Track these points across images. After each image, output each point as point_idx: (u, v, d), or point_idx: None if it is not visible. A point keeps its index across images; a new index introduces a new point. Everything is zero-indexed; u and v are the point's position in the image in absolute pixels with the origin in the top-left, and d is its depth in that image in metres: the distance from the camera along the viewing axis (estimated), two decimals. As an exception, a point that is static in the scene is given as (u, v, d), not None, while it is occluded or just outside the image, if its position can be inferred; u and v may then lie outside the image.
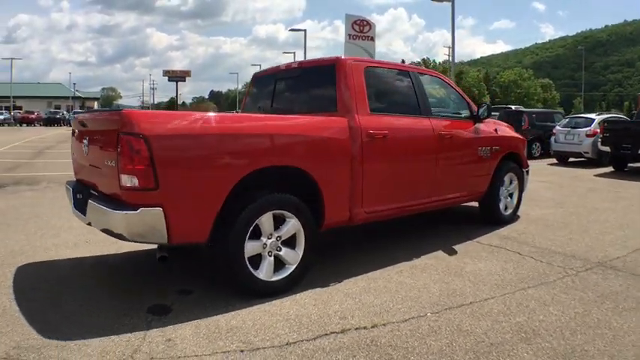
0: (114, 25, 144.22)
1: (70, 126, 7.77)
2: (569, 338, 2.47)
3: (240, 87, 66.18)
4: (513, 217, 5.23)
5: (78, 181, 3.48)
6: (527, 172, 5.45)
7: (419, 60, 65.93)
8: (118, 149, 2.52)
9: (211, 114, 2.86)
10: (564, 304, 2.93)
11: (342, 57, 3.63)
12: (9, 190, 7.32)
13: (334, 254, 4.03)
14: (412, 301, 2.98)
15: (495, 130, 4.87)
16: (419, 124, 4.01)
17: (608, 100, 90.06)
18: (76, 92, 57.27)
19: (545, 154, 13.83)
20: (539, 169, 11.11)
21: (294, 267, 3.14)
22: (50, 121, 41.64)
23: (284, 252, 3.10)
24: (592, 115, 13.09)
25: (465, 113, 4.65)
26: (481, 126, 4.66)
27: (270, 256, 3.04)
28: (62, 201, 5.13)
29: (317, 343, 2.42)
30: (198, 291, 3.12)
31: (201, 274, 3.51)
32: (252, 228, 2.90)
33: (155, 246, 2.93)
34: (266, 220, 2.97)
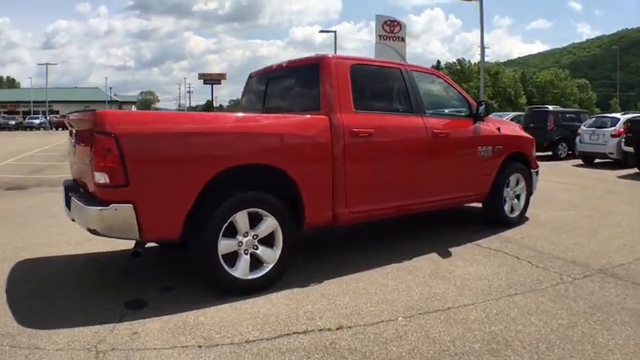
0: (152, 30, 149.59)
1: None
2: (544, 353, 2.31)
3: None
4: (520, 220, 5.00)
5: (74, 180, 3.62)
6: (537, 172, 5.20)
7: (454, 60, 64.65)
8: (92, 148, 2.61)
9: (182, 113, 2.90)
10: (549, 313, 2.77)
11: (328, 55, 3.59)
12: (31, 191, 7.70)
13: (323, 254, 4.01)
14: (387, 304, 2.91)
15: (498, 128, 4.67)
16: (410, 122, 3.91)
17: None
18: (114, 96, 59.13)
19: (572, 154, 13.27)
20: (562, 170, 10.72)
21: (271, 266, 3.14)
22: (83, 125, 43.70)
23: (261, 250, 3.11)
24: (617, 115, 12.44)
25: (465, 112, 4.49)
26: (482, 125, 4.49)
27: (247, 254, 3.06)
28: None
29: (275, 343, 2.41)
30: (179, 288, 3.18)
31: (186, 271, 3.57)
32: (226, 226, 2.93)
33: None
34: (241, 219, 2.99)
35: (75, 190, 3.29)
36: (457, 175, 4.32)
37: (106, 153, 2.55)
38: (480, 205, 4.94)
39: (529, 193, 5.05)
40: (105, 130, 2.56)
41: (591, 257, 3.87)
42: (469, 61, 61.75)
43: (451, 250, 4.12)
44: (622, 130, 10.90)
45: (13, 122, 41.13)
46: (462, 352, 2.32)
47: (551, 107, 15.94)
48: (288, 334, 2.50)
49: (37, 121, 43.47)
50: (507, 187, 4.83)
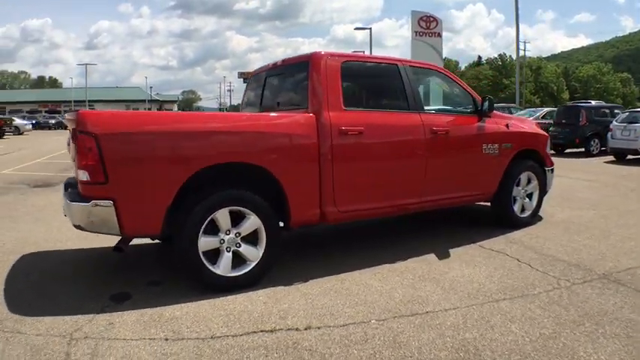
0: (194, 30, 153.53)
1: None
2: (512, 365, 2.20)
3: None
4: (532, 220, 4.77)
5: (74, 177, 3.79)
6: (552, 170, 4.92)
7: (495, 56, 62.64)
8: (76, 146, 2.73)
9: (162, 113, 2.97)
10: (534, 321, 2.62)
11: (319, 52, 3.55)
12: (56, 188, 8.02)
13: (316, 253, 4.00)
14: (364, 306, 2.87)
15: (506, 125, 4.45)
16: (406, 119, 3.80)
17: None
18: (155, 95, 60.86)
19: (605, 151, 12.58)
20: (591, 167, 10.21)
21: (254, 263, 3.17)
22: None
23: (244, 248, 3.14)
24: None
25: (471, 108, 4.31)
26: (487, 121, 4.29)
27: (229, 251, 3.10)
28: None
29: (239, 340, 2.44)
30: (167, 283, 3.27)
31: (176, 267, 3.66)
32: (206, 223, 2.98)
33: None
34: (222, 216, 3.03)
35: (72, 186, 3.46)
36: (459, 173, 4.16)
37: (87, 152, 2.67)
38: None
39: (542, 192, 4.80)
40: (86, 130, 2.67)
41: (597, 260, 3.63)
42: (510, 56, 59.72)
43: (451, 250, 3.99)
44: None
45: (53, 121, 42.74)
46: None
47: (594, 102, 15.15)
48: (254, 332, 2.52)
49: None
50: (518, 185, 4.61)
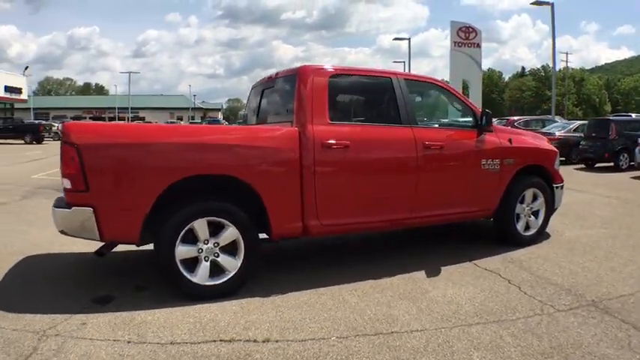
0: (241, 39, 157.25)
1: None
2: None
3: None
4: (537, 238, 4.56)
5: None
6: (561, 187, 4.68)
7: (538, 67, 60.67)
8: (61, 156, 2.92)
9: (142, 125, 3.10)
10: (498, 351, 2.50)
11: (307, 66, 3.59)
12: None
13: (303, 265, 4.03)
14: (331, 322, 2.86)
15: (509, 140, 4.28)
16: (396, 133, 3.75)
17: None
18: (200, 103, 61.94)
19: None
20: (615, 183, 9.63)
21: (232, 274, 3.24)
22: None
23: (222, 258, 3.22)
24: None
25: (471, 123, 4.19)
26: (487, 136, 4.15)
27: (207, 261, 3.18)
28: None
29: (196, 347, 2.51)
30: (152, 289, 3.36)
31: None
32: (184, 232, 3.08)
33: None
34: (200, 226, 3.12)
35: None
36: (455, 189, 4.05)
37: (70, 161, 2.85)
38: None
39: (549, 209, 4.57)
40: (69, 141, 2.85)
41: (591, 285, 3.43)
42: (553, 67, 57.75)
43: (443, 268, 3.89)
44: None
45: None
46: (369, 381, 2.21)
47: (634, 115, 14.28)
48: (213, 341, 2.59)
49: None
50: (522, 203, 4.42)
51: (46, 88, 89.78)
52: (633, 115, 14.39)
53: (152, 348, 2.50)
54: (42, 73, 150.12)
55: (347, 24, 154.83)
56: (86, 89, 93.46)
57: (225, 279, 3.22)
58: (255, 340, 2.60)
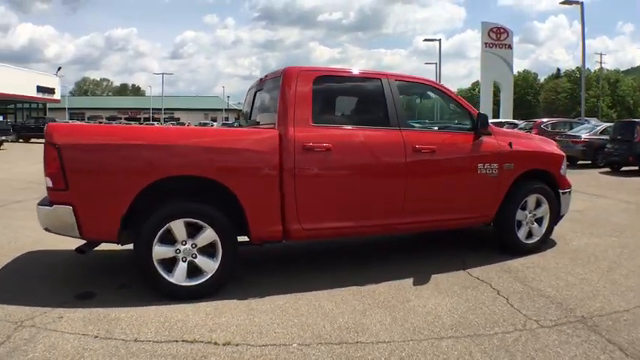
0: (278, 40, 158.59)
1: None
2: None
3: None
4: (540, 246, 4.33)
5: None
6: (568, 193, 4.42)
7: (573, 68, 58.41)
8: (44, 155, 3.04)
9: (121, 127, 3.17)
10: (466, 365, 2.38)
11: (292, 68, 3.56)
12: None
13: (289, 269, 4.00)
14: (298, 328, 2.82)
15: (509, 144, 4.07)
16: (383, 136, 3.65)
17: None
18: (236, 104, 61.97)
19: None
20: (637, 188, 9.05)
21: (210, 275, 3.25)
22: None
23: (199, 259, 3.25)
24: None
25: (467, 125, 4.02)
26: (485, 139, 3.97)
27: (185, 261, 3.22)
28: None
29: (156, 346, 2.55)
30: (136, 287, 3.40)
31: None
32: (161, 233, 3.12)
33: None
34: (177, 227, 3.16)
35: None
36: (448, 194, 3.90)
37: (51, 161, 2.96)
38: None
39: (555, 216, 4.32)
40: (51, 141, 2.96)
41: (585, 299, 3.21)
42: (588, 68, 56.25)
43: (434, 276, 3.76)
44: None
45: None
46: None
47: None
48: (175, 341, 2.61)
49: None
50: (524, 209, 4.20)
51: (83, 88, 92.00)
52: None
53: (115, 344, 2.56)
54: (79, 74, 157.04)
55: (383, 25, 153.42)
56: (123, 90, 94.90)
57: (202, 280, 3.24)
58: (215, 343, 2.60)
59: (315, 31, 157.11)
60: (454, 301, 3.25)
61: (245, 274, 3.73)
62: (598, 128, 14.15)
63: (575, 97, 54.29)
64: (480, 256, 4.21)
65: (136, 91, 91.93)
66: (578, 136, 13.68)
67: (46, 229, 3.14)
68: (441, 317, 2.99)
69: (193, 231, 3.23)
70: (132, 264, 4.06)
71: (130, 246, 3.28)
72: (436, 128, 4.37)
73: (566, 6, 19.32)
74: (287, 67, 3.60)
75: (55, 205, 2.99)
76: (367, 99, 3.81)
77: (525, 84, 63.60)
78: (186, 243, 3.21)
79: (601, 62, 49.40)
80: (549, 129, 15.86)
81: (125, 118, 54.34)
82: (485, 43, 18.79)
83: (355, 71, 3.84)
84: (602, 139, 13.18)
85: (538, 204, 4.26)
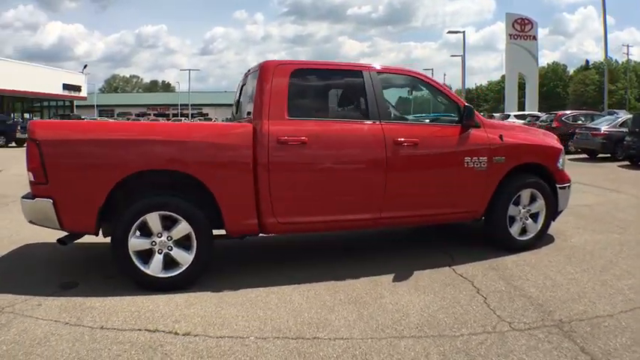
0: (307, 35, 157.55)
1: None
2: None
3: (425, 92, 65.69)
4: (536, 243, 4.14)
5: None
6: (567, 188, 4.20)
7: (601, 60, 56.17)
8: (26, 151, 3.18)
9: (98, 122, 3.25)
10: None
11: (270, 61, 3.55)
12: None
13: (269, 262, 4.00)
14: (261, 322, 2.83)
15: (500, 136, 3.88)
16: (362, 129, 3.58)
17: None
18: None
19: None
20: None
21: (185, 267, 3.32)
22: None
23: (174, 252, 3.31)
24: None
25: (455, 118, 3.87)
26: (474, 132, 3.81)
27: (160, 253, 3.29)
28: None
29: (119, 333, 2.64)
30: (119, 278, 3.42)
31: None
32: (136, 225, 3.21)
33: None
34: (152, 220, 3.24)
35: None
36: (433, 189, 3.79)
37: (32, 156, 3.09)
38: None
39: (551, 212, 4.12)
40: (32, 137, 3.09)
41: (569, 301, 3.05)
42: (616, 60, 54.56)
43: (417, 272, 3.68)
44: None
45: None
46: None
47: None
48: (138, 330, 2.69)
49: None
50: (517, 204, 4.01)
51: (113, 85, 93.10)
52: None
53: (82, 330, 2.67)
54: (109, 71, 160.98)
55: (413, 18, 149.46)
56: (153, 86, 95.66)
57: (178, 272, 3.31)
58: (176, 333, 2.66)
59: (345, 25, 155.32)
60: (429, 299, 3.17)
61: (224, 267, 3.78)
62: (618, 120, 13.41)
63: (603, 89, 53.05)
64: (471, 253, 4.07)
65: (166, 87, 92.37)
66: (598, 129, 13.10)
67: (31, 222, 3.30)
68: (409, 315, 2.92)
69: (169, 224, 3.29)
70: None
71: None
72: (427, 121, 4.24)
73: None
74: (265, 61, 3.58)
75: (36, 199, 3.13)
76: (347, 92, 3.75)
77: (555, 76, 63.31)
78: (161, 235, 3.28)
79: (628, 54, 47.72)
80: (570, 121, 15.46)
81: (154, 114, 55.53)
82: (510, 35, 18.07)
83: (335, 64, 3.77)
84: (622, 131, 12.53)
85: (533, 199, 4.06)
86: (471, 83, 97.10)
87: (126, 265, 3.25)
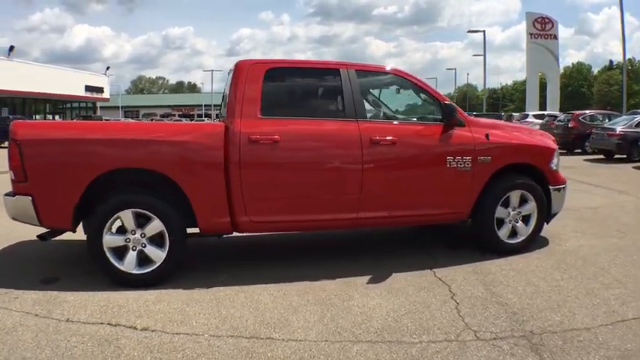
0: (333, 35, 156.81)
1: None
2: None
3: (452, 91, 64.52)
4: (527, 246, 3.96)
5: None
6: (561, 189, 3.98)
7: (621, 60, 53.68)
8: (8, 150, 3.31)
9: (75, 123, 3.34)
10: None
11: (245, 60, 3.55)
12: None
13: (245, 261, 3.99)
14: (220, 320, 2.84)
15: (486, 135, 3.72)
16: (337, 128, 3.53)
17: None
18: None
19: None
20: None
21: (158, 264, 3.37)
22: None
23: (148, 249, 3.37)
24: None
25: (438, 116, 3.74)
26: (458, 131, 3.67)
27: (134, 250, 3.36)
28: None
29: (82, 326, 2.72)
30: (99, 274, 3.46)
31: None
32: (110, 222, 3.28)
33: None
34: (125, 217, 3.31)
35: None
36: (412, 189, 3.68)
37: (13, 155, 3.22)
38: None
39: (543, 214, 3.92)
40: (14, 137, 3.22)
41: (546, 310, 2.89)
42: (639, 61, 50.95)
43: (395, 274, 3.60)
44: None
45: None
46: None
47: None
48: (101, 324, 2.76)
49: None
50: (506, 206, 3.84)
51: (139, 86, 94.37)
52: None
53: (48, 322, 2.76)
54: (136, 73, 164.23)
55: (439, 18, 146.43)
56: (179, 87, 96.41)
57: (151, 269, 3.36)
58: (135, 328, 2.71)
59: (370, 26, 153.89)
60: (399, 303, 3.08)
61: (200, 265, 3.82)
62: (634, 120, 12.65)
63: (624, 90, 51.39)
64: (456, 256, 3.94)
65: (192, 88, 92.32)
66: (613, 129, 12.49)
67: (13, 218, 3.44)
68: (372, 319, 2.85)
69: (143, 221, 3.36)
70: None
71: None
72: (415, 119, 4.11)
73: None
74: (240, 60, 3.59)
75: (17, 196, 3.26)
76: (323, 90, 3.70)
77: (580, 76, 62.45)
78: (135, 232, 3.34)
79: (625, 53, 45.42)
80: (587, 121, 15.00)
81: (179, 115, 56.11)
82: (531, 34, 17.45)
83: (313, 62, 3.73)
84: (638, 131, 11.95)
85: (524, 201, 3.88)
86: (496, 83, 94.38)
87: (101, 261, 3.33)
